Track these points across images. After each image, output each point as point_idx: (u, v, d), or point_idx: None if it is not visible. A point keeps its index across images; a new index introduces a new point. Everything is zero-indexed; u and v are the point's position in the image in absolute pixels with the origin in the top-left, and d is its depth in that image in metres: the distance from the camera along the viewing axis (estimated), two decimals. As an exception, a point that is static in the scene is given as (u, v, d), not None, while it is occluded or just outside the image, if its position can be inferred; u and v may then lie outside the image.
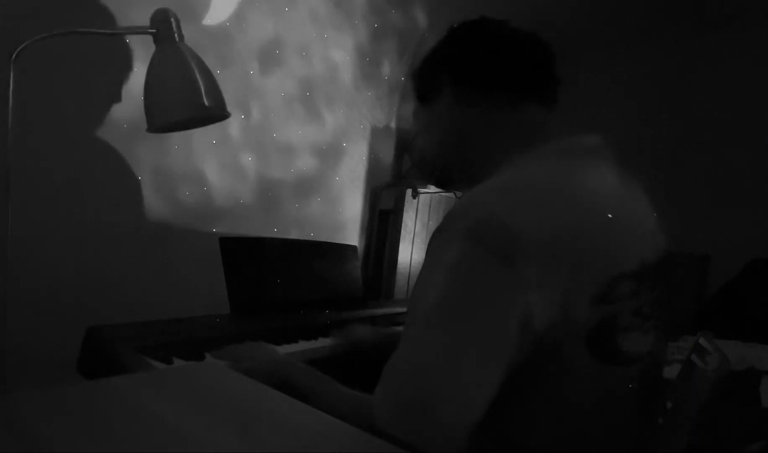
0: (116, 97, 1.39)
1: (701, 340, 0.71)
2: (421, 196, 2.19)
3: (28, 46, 0.83)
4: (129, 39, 1.38)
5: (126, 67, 1.39)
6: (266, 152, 1.81)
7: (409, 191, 2.16)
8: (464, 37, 0.80)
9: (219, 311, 1.17)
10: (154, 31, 0.95)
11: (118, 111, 1.39)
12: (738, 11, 2.44)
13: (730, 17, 2.49)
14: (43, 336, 1.18)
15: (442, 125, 0.81)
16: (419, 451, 0.55)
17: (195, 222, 1.61)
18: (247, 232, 1.74)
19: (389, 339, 1.11)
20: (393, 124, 2.37)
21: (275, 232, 1.87)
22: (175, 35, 0.96)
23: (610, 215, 0.64)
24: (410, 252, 2.20)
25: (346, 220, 2.17)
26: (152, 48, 0.96)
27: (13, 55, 0.83)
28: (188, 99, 0.95)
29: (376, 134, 2.27)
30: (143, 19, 0.98)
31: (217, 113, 1.01)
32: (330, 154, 2.07)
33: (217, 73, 1.00)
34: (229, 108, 1.01)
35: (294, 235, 1.94)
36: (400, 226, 2.16)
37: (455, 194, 0.86)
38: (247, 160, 1.76)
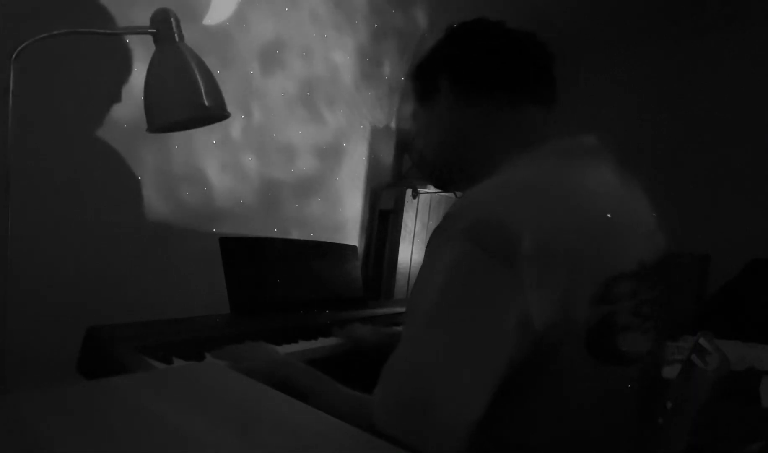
0: (116, 97, 1.39)
1: (701, 340, 0.71)
2: (421, 196, 2.19)
3: (28, 46, 0.83)
4: (129, 39, 1.38)
5: (126, 67, 1.40)
6: (266, 152, 1.81)
7: (409, 191, 2.16)
8: (463, 38, 0.80)
9: (219, 311, 1.17)
10: (154, 31, 0.95)
11: (118, 111, 1.39)
12: (738, 11, 2.44)
13: (730, 17, 2.49)
14: (43, 336, 1.18)
15: (441, 125, 0.81)
16: (418, 451, 0.55)
17: (195, 222, 1.61)
18: (247, 232, 1.74)
19: (389, 339, 1.11)
20: (393, 124, 2.37)
21: (275, 232, 1.87)
22: (175, 35, 0.96)
23: (609, 215, 0.64)
24: (410, 252, 2.20)
25: (346, 220, 2.17)
26: (152, 48, 0.96)
27: (13, 55, 0.83)
28: (188, 99, 0.95)
29: (376, 134, 2.27)
30: (143, 19, 0.98)
31: (217, 113, 1.01)
32: (330, 154, 2.07)
33: (217, 73, 1.00)
34: (229, 108, 1.01)
35: (294, 235, 1.94)
36: (400, 226, 2.16)
37: (455, 194, 0.86)
38: (247, 160, 1.76)
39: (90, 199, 1.36)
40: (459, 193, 0.80)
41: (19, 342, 0.91)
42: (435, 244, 0.63)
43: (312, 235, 2.00)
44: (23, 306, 1.00)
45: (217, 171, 1.67)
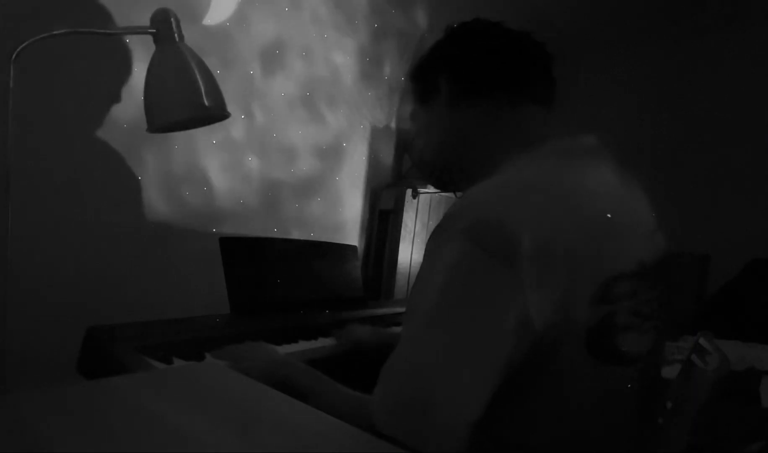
0: (116, 97, 1.39)
1: (701, 340, 0.71)
2: (421, 196, 2.19)
3: (28, 46, 0.83)
4: (129, 39, 1.38)
5: (126, 67, 1.40)
6: (266, 152, 1.81)
7: (409, 191, 2.16)
8: (463, 38, 0.80)
9: (219, 311, 1.17)
10: (154, 31, 0.95)
11: (118, 111, 1.39)
12: (738, 11, 2.44)
13: (730, 17, 2.49)
14: (43, 336, 1.18)
15: (441, 125, 0.81)
16: (418, 451, 0.55)
17: (195, 222, 1.61)
18: (247, 232, 1.74)
19: (390, 340, 1.11)
20: (393, 124, 2.37)
21: (275, 232, 1.87)
22: (175, 35, 0.96)
23: (609, 215, 0.64)
24: (410, 252, 2.20)
25: (346, 220, 2.17)
26: (152, 48, 0.96)
27: (13, 55, 0.82)
28: (188, 99, 0.95)
29: (376, 134, 2.27)
30: (143, 19, 0.97)
31: (217, 113, 1.01)
32: (330, 154, 2.07)
33: (217, 73, 1.00)
34: (229, 108, 1.01)
35: (294, 235, 1.94)
36: (400, 226, 2.16)
37: (455, 194, 0.86)
38: (248, 160, 1.76)
39: (90, 199, 1.36)
40: (459, 193, 0.80)
41: (19, 342, 0.91)
42: (435, 244, 0.63)
43: (312, 235, 2.00)
44: (23, 306, 1.00)
45: (217, 171, 1.67)
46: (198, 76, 0.95)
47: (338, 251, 1.51)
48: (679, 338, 1.28)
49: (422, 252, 0.65)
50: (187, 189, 1.59)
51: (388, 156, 2.36)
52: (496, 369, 0.57)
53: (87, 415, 0.43)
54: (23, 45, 0.83)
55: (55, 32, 0.85)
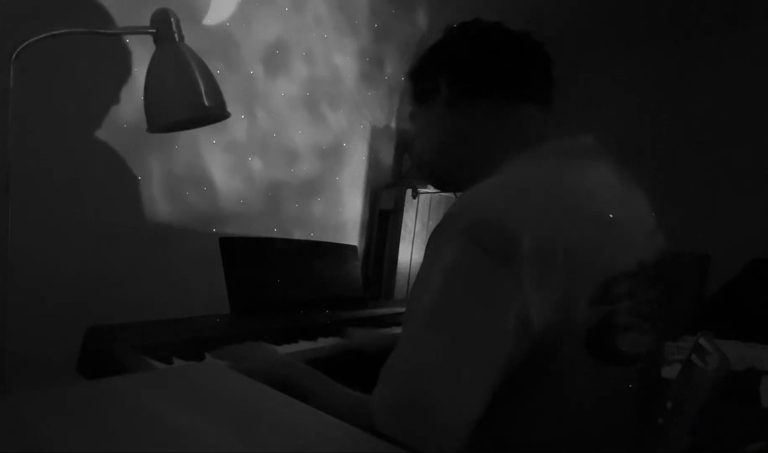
0: (116, 98, 1.39)
1: (701, 340, 0.71)
2: (421, 196, 2.19)
3: (28, 46, 0.83)
4: (129, 39, 1.38)
5: (126, 67, 1.39)
6: (266, 152, 1.81)
7: (409, 191, 2.16)
8: (462, 38, 0.80)
9: (219, 311, 1.17)
10: (154, 31, 0.95)
11: (118, 111, 1.39)
12: (738, 11, 2.44)
13: (730, 17, 2.49)
14: (43, 336, 1.18)
15: (441, 126, 0.81)
16: (418, 451, 0.55)
17: (195, 222, 1.61)
18: (247, 232, 1.74)
19: (391, 343, 1.11)
20: (393, 124, 2.37)
21: (275, 232, 1.87)
22: (175, 35, 0.96)
23: (609, 215, 0.64)
24: (410, 252, 2.20)
25: (346, 220, 2.17)
26: (152, 48, 0.96)
27: (13, 55, 0.82)
28: (188, 99, 0.95)
29: (376, 134, 2.27)
30: (143, 19, 0.97)
31: (217, 113, 1.01)
32: (330, 154, 2.07)
33: (217, 73, 1.01)
34: (230, 108, 1.01)
35: (294, 235, 1.94)
36: (400, 226, 2.16)
37: (455, 194, 0.86)
38: (248, 160, 1.76)
39: (90, 199, 1.36)
40: (459, 193, 0.80)
41: (19, 342, 0.91)
42: (435, 244, 0.63)
43: (312, 236, 2.00)
44: (23, 306, 1.00)
45: (217, 171, 1.67)
46: (198, 76, 0.95)
47: (338, 251, 1.51)
48: (679, 338, 1.28)
49: (422, 252, 0.65)
50: (187, 189, 1.59)
51: (388, 156, 2.36)
52: (496, 369, 0.57)
53: (87, 415, 0.43)
54: (23, 45, 0.83)
55: (54, 32, 0.85)
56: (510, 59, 0.77)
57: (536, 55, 0.78)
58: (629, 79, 2.83)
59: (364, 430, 0.45)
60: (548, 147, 0.71)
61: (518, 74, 0.77)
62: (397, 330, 1.22)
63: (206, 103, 0.95)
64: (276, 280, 1.29)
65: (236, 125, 1.70)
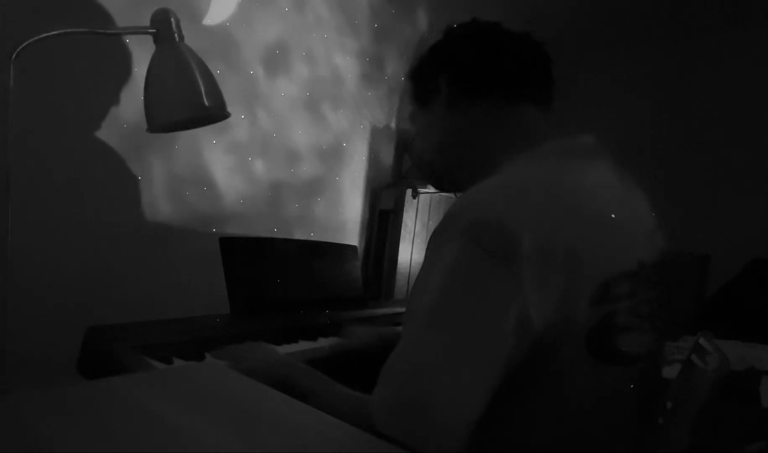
0: (116, 98, 1.39)
1: (701, 340, 0.71)
2: (421, 196, 2.19)
3: (28, 46, 0.83)
4: (129, 39, 1.38)
5: (126, 67, 1.40)
6: (266, 153, 1.81)
7: (409, 191, 2.16)
8: (462, 38, 0.80)
9: (219, 311, 1.17)
10: (154, 31, 0.95)
11: (118, 111, 1.39)
12: (738, 11, 2.44)
13: (730, 17, 2.49)
14: (43, 336, 1.18)
15: (441, 126, 0.81)
16: (418, 451, 0.55)
17: (195, 222, 1.61)
18: (247, 232, 1.74)
19: (390, 340, 1.11)
20: (393, 124, 2.37)
21: (276, 233, 1.87)
22: (175, 35, 0.96)
23: (609, 215, 0.64)
24: (410, 252, 2.20)
25: (346, 220, 2.17)
26: (152, 48, 0.96)
27: (13, 55, 0.82)
28: (188, 99, 0.95)
29: (376, 134, 2.27)
30: (143, 19, 0.98)
31: (217, 113, 1.01)
32: (330, 154, 2.07)
33: (217, 73, 1.01)
34: (230, 108, 1.01)
35: (294, 235, 1.94)
36: (400, 226, 2.16)
37: (455, 194, 0.86)
38: (248, 160, 1.76)
39: (90, 199, 1.36)
40: (459, 193, 0.80)
41: (19, 342, 0.91)
42: (435, 244, 0.63)
43: (312, 236, 2.00)
44: (23, 306, 1.00)
45: (218, 171, 1.67)
46: (198, 76, 0.95)
47: (338, 251, 1.51)
48: (679, 338, 1.28)
49: (422, 252, 0.65)
50: (187, 189, 1.59)
51: (388, 156, 2.36)
52: (496, 369, 0.57)
53: (87, 415, 0.43)
54: (23, 45, 0.83)
55: (54, 32, 0.85)
56: (510, 59, 0.77)
57: (536, 55, 0.78)
58: (629, 79, 2.83)
59: (364, 430, 0.45)
60: (548, 147, 0.71)
61: (518, 74, 0.77)
62: (398, 329, 1.22)
63: (206, 103, 0.95)
64: (276, 280, 1.29)
65: (236, 125, 1.70)
